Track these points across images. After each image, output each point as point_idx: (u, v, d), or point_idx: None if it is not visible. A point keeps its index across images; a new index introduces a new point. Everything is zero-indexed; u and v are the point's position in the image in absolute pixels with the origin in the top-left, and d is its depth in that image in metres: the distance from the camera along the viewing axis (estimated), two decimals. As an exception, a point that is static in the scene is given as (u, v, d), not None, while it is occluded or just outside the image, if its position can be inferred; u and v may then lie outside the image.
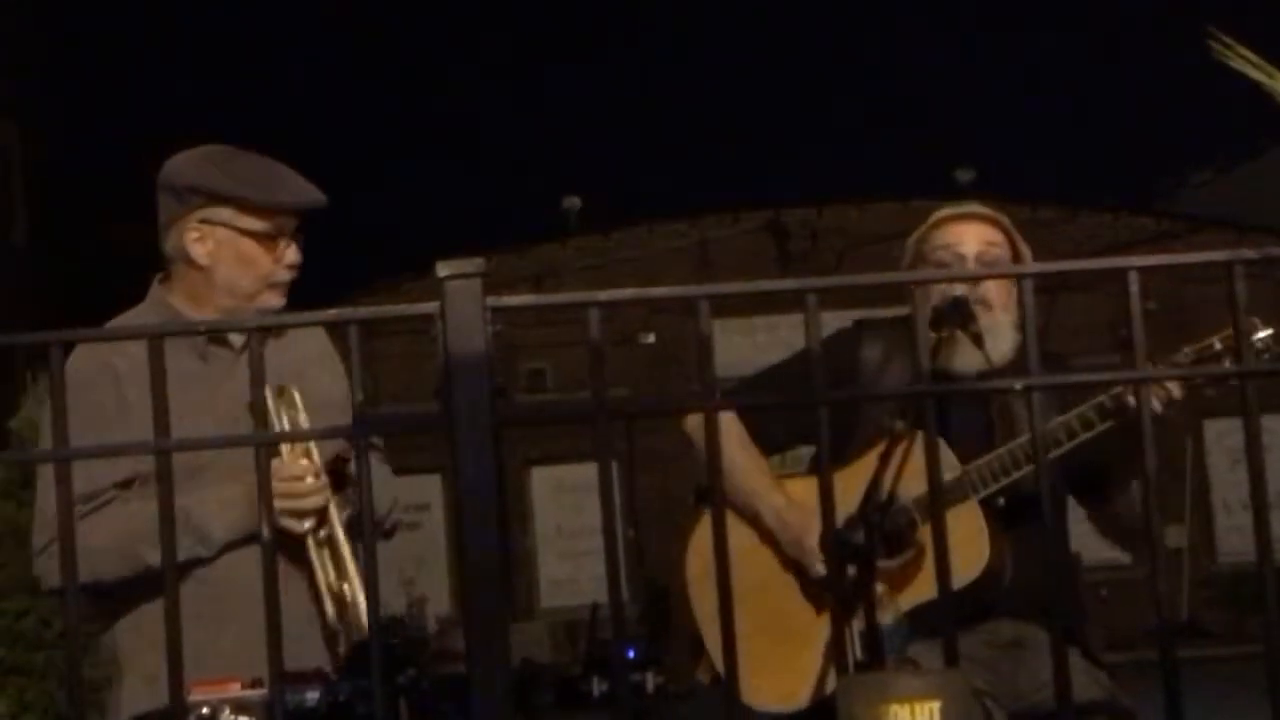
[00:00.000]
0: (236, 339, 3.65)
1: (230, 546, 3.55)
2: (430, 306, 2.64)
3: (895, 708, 2.43)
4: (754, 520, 4.02)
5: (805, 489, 4.06)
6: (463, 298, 2.59)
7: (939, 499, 2.81)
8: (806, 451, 4.01)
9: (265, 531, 2.70)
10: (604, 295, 2.69)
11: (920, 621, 3.43)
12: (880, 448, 3.42)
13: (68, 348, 2.65)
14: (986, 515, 3.85)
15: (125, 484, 3.52)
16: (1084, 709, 3.60)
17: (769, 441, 4.11)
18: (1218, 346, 3.60)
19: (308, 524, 3.49)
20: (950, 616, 2.77)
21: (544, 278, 24.80)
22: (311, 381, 3.62)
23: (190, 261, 3.68)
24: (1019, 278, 2.76)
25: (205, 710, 2.80)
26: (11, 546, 7.95)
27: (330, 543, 3.51)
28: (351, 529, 3.52)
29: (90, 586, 3.44)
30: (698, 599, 4.09)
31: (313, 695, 2.84)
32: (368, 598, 2.72)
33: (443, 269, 2.60)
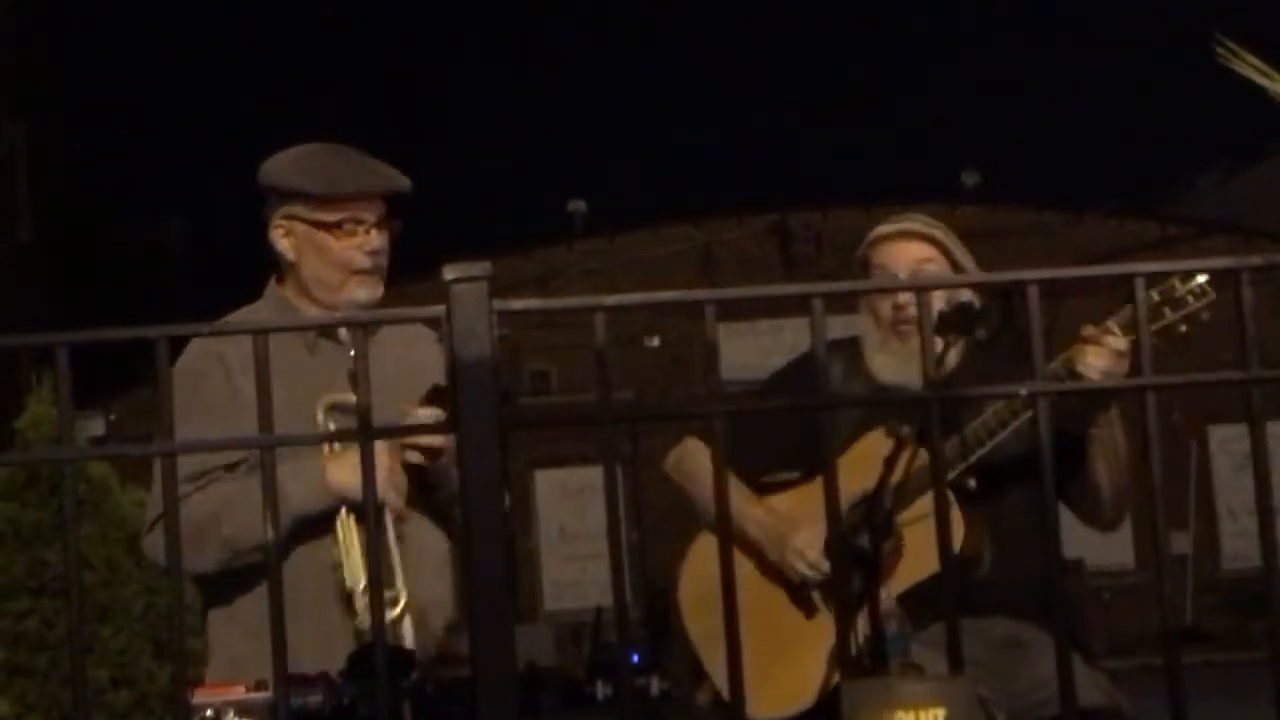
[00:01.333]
0: (344, 333, 3.70)
1: (307, 537, 3.61)
2: (437, 310, 2.64)
3: (900, 714, 2.43)
4: (737, 537, 4.04)
5: (783, 502, 4.09)
6: (469, 301, 2.59)
7: (943, 503, 2.81)
8: None
9: (270, 533, 2.70)
10: (610, 300, 2.69)
11: (905, 606, 3.45)
12: (882, 452, 3.44)
13: (78, 350, 2.66)
14: (958, 498, 3.86)
15: (232, 466, 3.64)
16: (1084, 713, 3.60)
17: (743, 469, 4.08)
18: (1155, 299, 3.69)
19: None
20: (957, 626, 2.77)
21: (549, 280, 24.80)
22: (421, 379, 3.63)
23: (284, 258, 3.80)
24: (1024, 284, 2.75)
25: (209, 712, 2.81)
26: (14, 547, 7.96)
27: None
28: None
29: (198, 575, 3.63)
30: (692, 623, 4.14)
31: (315, 698, 2.84)
32: (372, 599, 2.72)
33: (449, 272, 2.60)
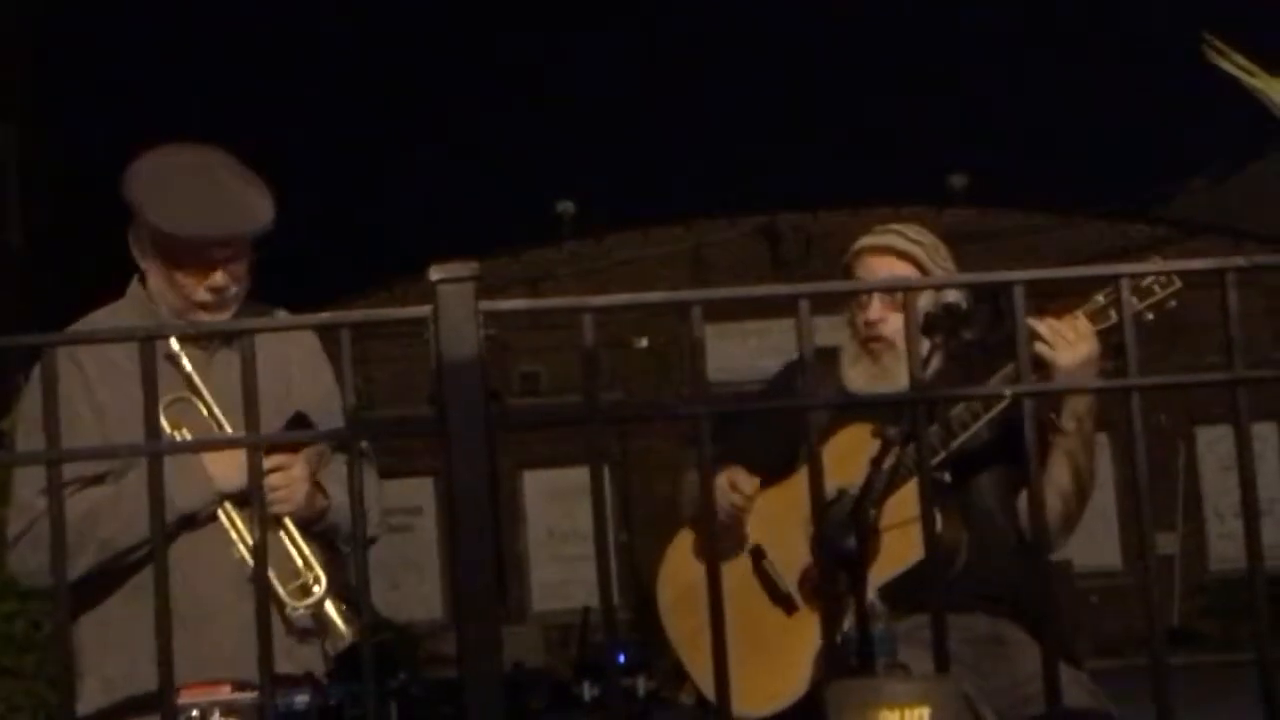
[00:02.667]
0: (209, 339, 3.64)
1: (188, 542, 3.53)
2: (423, 310, 2.64)
3: (886, 713, 2.44)
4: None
5: (760, 500, 4.09)
6: (456, 301, 2.59)
7: (928, 504, 2.81)
8: None
9: (256, 533, 2.70)
10: (598, 300, 2.69)
11: (884, 599, 3.46)
12: (853, 451, 3.46)
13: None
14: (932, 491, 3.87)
15: (96, 479, 3.53)
16: (1069, 714, 3.61)
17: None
18: (1101, 301, 3.76)
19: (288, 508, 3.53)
20: (943, 624, 2.78)
21: (538, 281, 24.80)
22: (297, 382, 3.62)
23: (138, 262, 3.69)
24: (1010, 285, 2.76)
25: (195, 713, 2.80)
26: (2, 548, 7.95)
27: (289, 535, 3.55)
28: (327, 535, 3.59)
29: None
30: (673, 626, 4.14)
31: (302, 699, 2.84)
32: (361, 603, 2.72)
33: (436, 273, 2.60)
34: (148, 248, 3.65)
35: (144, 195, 3.61)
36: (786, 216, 26.27)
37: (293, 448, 3.50)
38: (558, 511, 24.91)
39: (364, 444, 3.47)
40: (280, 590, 3.48)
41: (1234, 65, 2.80)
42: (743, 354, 20.07)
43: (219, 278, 3.61)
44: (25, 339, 2.80)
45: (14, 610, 7.86)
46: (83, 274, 26.69)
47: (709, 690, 3.27)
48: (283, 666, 3.34)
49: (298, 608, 3.50)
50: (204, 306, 3.62)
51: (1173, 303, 3.76)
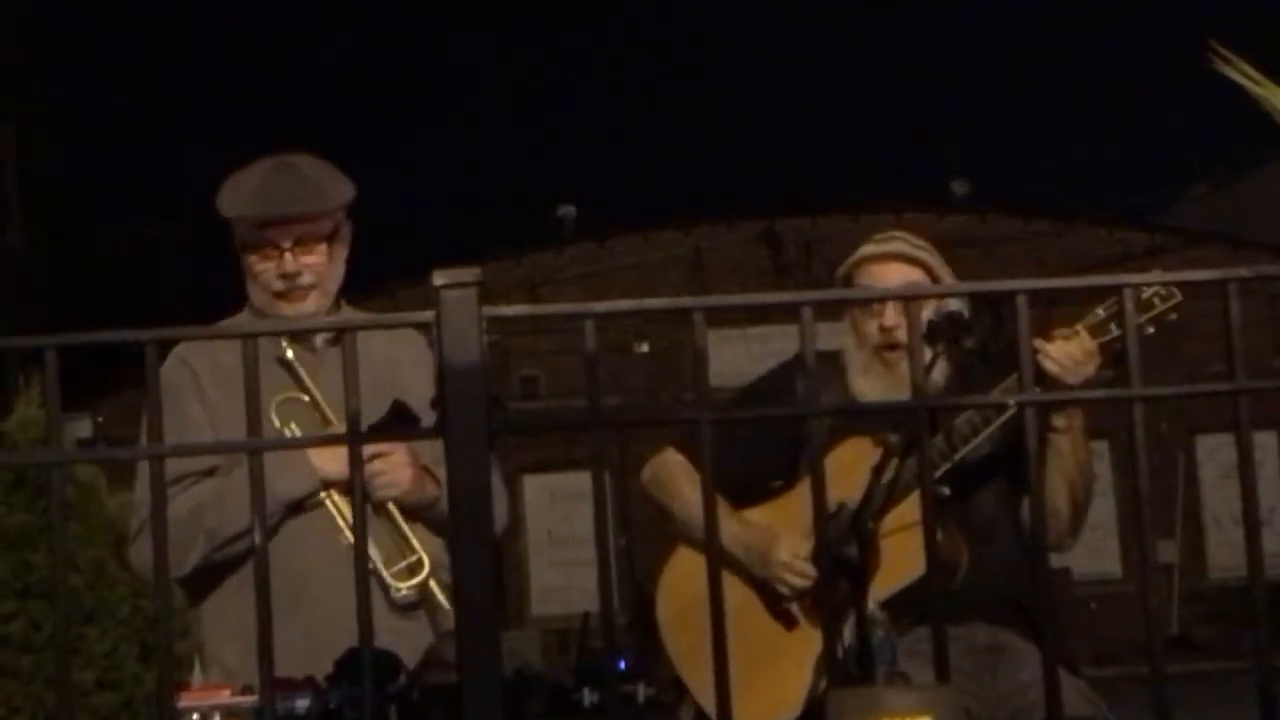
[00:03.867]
0: (319, 341, 3.81)
1: (296, 530, 3.69)
2: (426, 315, 2.64)
3: (886, 722, 2.44)
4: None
5: (759, 515, 4.08)
6: (458, 307, 2.59)
7: (929, 512, 2.81)
8: None
9: (258, 538, 2.71)
10: (600, 306, 2.69)
11: (888, 612, 3.46)
12: (857, 462, 3.45)
13: (65, 353, 2.67)
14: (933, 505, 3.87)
15: (209, 472, 3.70)
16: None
17: (719, 480, 4.10)
18: (1102, 314, 3.76)
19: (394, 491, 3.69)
20: (943, 634, 2.78)
21: (539, 285, 24.80)
22: (406, 385, 3.65)
23: None
24: (1012, 295, 2.76)
25: (196, 717, 2.80)
26: (0, 549, 7.94)
27: (392, 520, 3.72)
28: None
29: (184, 579, 3.68)
30: (672, 643, 4.13)
31: (302, 703, 2.83)
32: (359, 605, 2.73)
33: (439, 278, 2.60)
34: (238, 248, 3.83)
35: (221, 195, 3.80)
36: (787, 221, 26.27)
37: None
38: (557, 516, 24.92)
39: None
40: (384, 572, 3.66)
41: (1239, 73, 2.80)
42: (744, 359, 20.05)
43: (289, 263, 3.76)
44: (22, 341, 2.79)
45: (13, 611, 7.85)
46: (81, 274, 26.74)
47: (710, 706, 3.27)
48: (393, 644, 3.41)
49: (400, 588, 3.68)
50: (280, 295, 3.78)
51: (1173, 315, 3.76)
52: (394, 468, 3.68)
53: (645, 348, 23.75)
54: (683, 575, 4.13)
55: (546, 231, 27.15)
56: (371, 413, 3.37)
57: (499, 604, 2.68)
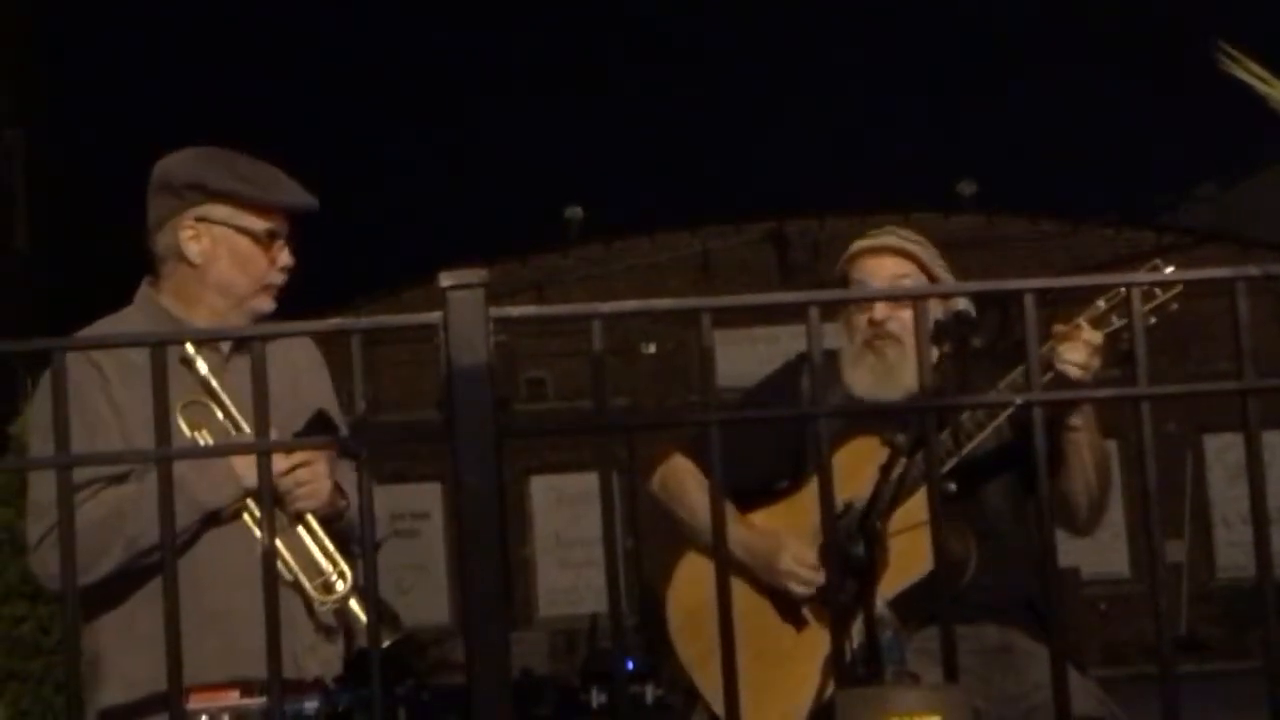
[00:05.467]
0: (224, 343, 3.65)
1: (213, 540, 3.55)
2: (433, 317, 2.63)
3: (894, 721, 2.43)
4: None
5: (766, 518, 4.08)
6: (465, 308, 2.59)
7: (936, 509, 2.81)
8: None
9: (266, 539, 2.70)
10: (607, 307, 2.68)
11: (896, 611, 3.45)
12: (862, 462, 3.45)
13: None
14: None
15: (119, 478, 3.54)
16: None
17: (725, 484, 4.10)
18: (1103, 306, 3.76)
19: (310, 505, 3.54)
20: (952, 634, 2.77)
21: (545, 286, 24.81)
22: (303, 390, 3.63)
23: (183, 259, 3.66)
24: (1021, 294, 2.75)
25: (204, 719, 2.80)
26: (9, 552, 7.94)
27: (311, 532, 3.56)
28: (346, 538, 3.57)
29: (89, 585, 3.44)
30: (683, 648, 4.13)
31: (311, 704, 2.84)
32: (368, 611, 2.72)
33: (446, 279, 2.60)
34: (216, 234, 3.65)
35: (228, 177, 3.65)
36: (794, 223, 26.28)
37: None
38: (565, 517, 24.93)
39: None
40: (308, 586, 3.50)
41: (1249, 73, 2.79)
42: (750, 360, 20.05)
43: (289, 258, 3.69)
44: (38, 343, 2.79)
45: (22, 614, 7.86)
46: (88, 277, 26.73)
47: (721, 710, 3.26)
48: (310, 661, 3.34)
49: (325, 603, 3.51)
50: (268, 290, 3.67)
51: (1174, 305, 3.75)
52: (317, 477, 3.54)
53: (652, 349, 23.76)
54: (692, 580, 4.13)
55: (553, 233, 27.17)
56: (283, 420, 3.27)
57: (506, 605, 2.68)
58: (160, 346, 2.68)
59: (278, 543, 3.45)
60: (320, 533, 3.54)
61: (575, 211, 27.17)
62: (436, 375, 2.67)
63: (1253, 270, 2.73)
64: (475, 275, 2.60)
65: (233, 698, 2.84)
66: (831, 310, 3.43)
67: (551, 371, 24.69)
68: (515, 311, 2.76)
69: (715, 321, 2.72)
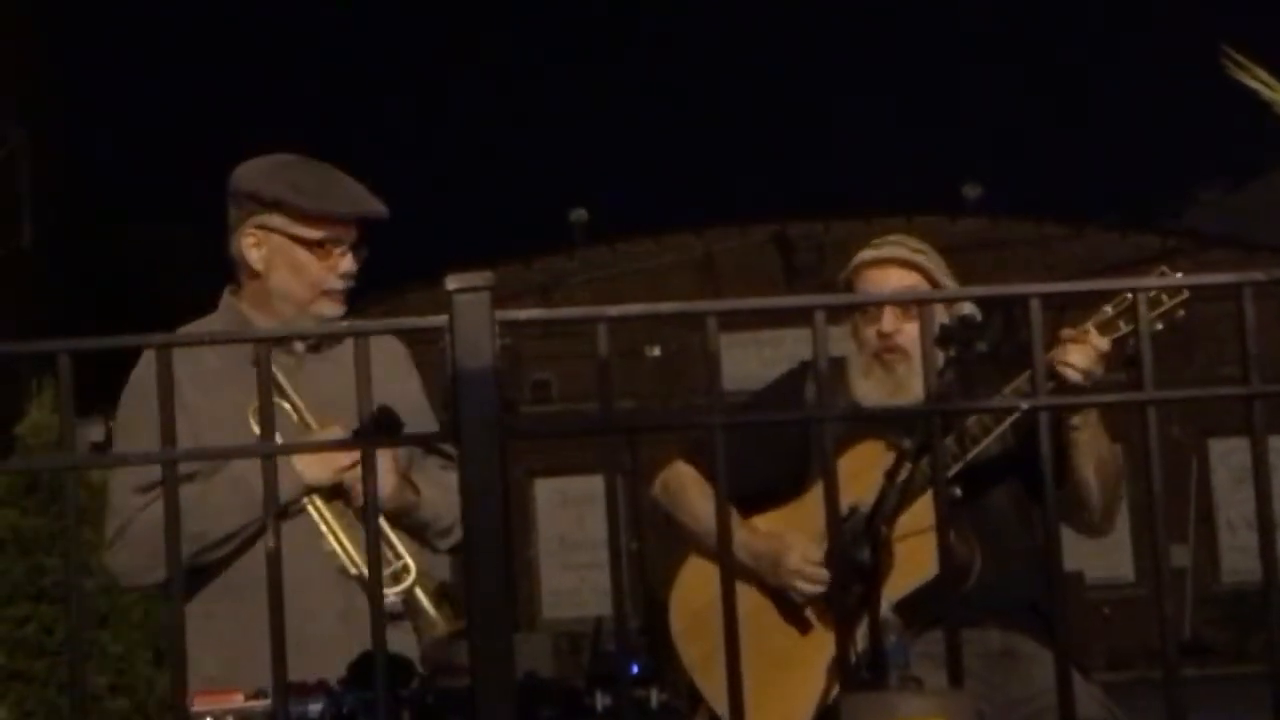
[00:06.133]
0: (300, 346, 3.76)
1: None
2: (439, 320, 2.63)
3: (899, 726, 2.43)
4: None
5: (770, 522, 4.08)
6: (471, 311, 2.59)
7: (943, 514, 2.81)
8: None
9: (270, 542, 2.71)
10: (613, 310, 2.68)
11: (900, 615, 3.46)
12: (866, 467, 3.45)
13: (78, 356, 2.67)
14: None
15: (187, 477, 3.58)
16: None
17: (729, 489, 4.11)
18: (1110, 312, 3.75)
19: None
20: (958, 639, 2.77)
21: (550, 289, 24.83)
22: (383, 389, 3.66)
23: (248, 267, 3.77)
24: (1025, 299, 2.75)
25: (209, 720, 2.80)
26: (14, 553, 7.96)
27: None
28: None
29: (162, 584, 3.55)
30: (687, 651, 4.12)
31: (315, 706, 2.83)
32: (373, 608, 2.72)
33: (452, 282, 2.60)
34: (274, 243, 3.74)
35: (281, 186, 3.73)
36: (799, 225, 26.28)
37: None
38: (569, 520, 24.92)
39: (450, 448, 3.52)
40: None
41: (1255, 79, 2.79)
42: (754, 363, 20.03)
43: (349, 264, 3.76)
44: (42, 345, 2.79)
45: (27, 614, 7.87)
46: (92, 276, 26.74)
47: (725, 713, 3.27)
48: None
49: (388, 595, 3.57)
50: (330, 295, 3.75)
51: (1181, 312, 3.75)
52: (380, 473, 3.64)
53: (657, 351, 23.76)
54: (695, 583, 4.13)
55: (558, 235, 27.18)
56: (350, 419, 3.35)
57: (510, 607, 2.68)
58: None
59: (341, 537, 3.64)
60: (384, 526, 3.59)
61: (580, 214, 27.16)
62: (442, 378, 2.67)
63: (1259, 275, 2.73)
64: (481, 278, 2.60)
65: (237, 700, 2.84)
66: (836, 315, 3.43)
67: (556, 373, 24.69)
68: (522, 315, 2.76)
69: (720, 324, 2.72)
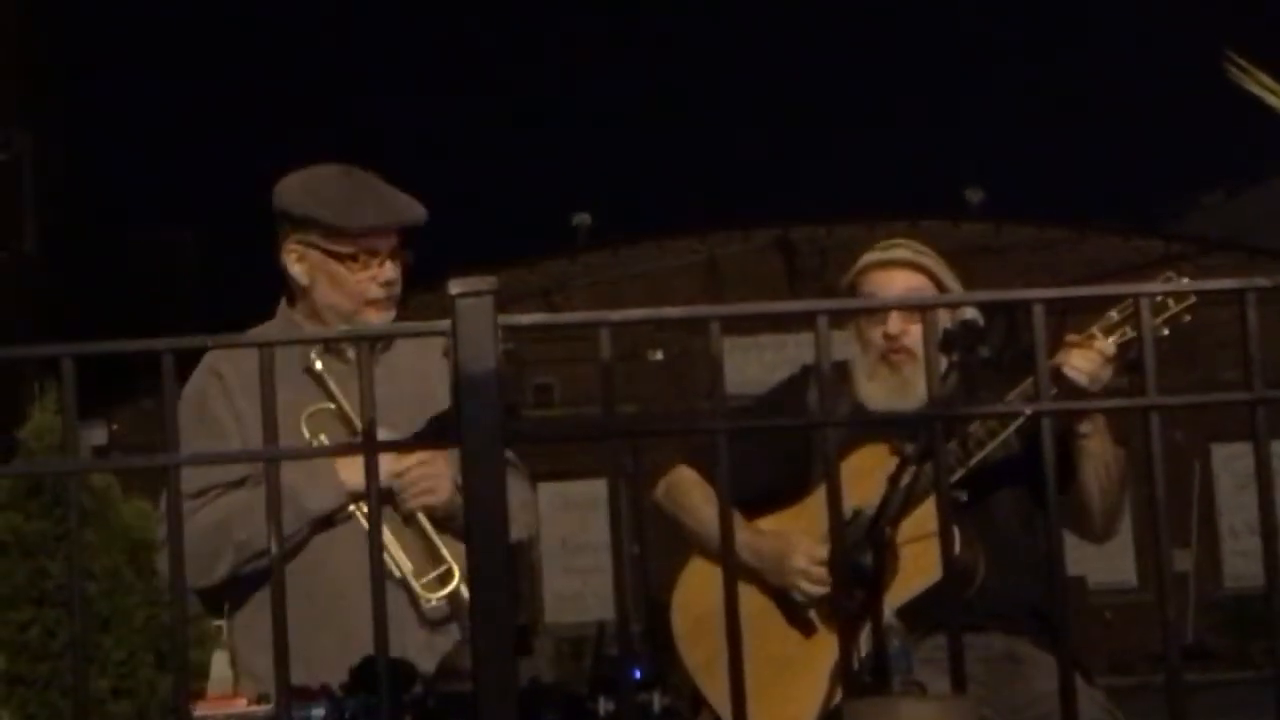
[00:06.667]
0: (352, 352, 3.75)
1: (326, 543, 3.70)
2: (442, 325, 2.63)
3: (902, 731, 2.43)
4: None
5: (773, 524, 4.08)
6: (475, 316, 2.59)
7: (946, 519, 2.81)
8: None
9: (274, 547, 2.71)
10: (616, 315, 2.68)
11: (904, 619, 3.45)
12: (870, 470, 3.45)
13: (81, 360, 2.67)
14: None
15: (237, 483, 3.68)
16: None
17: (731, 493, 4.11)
18: (1116, 317, 3.77)
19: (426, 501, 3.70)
20: (959, 644, 2.77)
21: (553, 293, 24.82)
22: (438, 395, 3.67)
23: (295, 282, 3.81)
24: (1030, 304, 2.76)
25: (211, 725, 2.80)
26: (16, 556, 7.95)
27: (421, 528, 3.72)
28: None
29: (207, 589, 3.68)
30: (689, 654, 4.12)
31: (318, 712, 2.84)
32: (375, 611, 2.73)
33: (455, 287, 2.60)
34: (313, 258, 3.78)
35: (308, 203, 3.76)
36: (801, 229, 26.26)
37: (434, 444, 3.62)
38: (572, 523, 24.90)
39: (510, 453, 3.63)
40: (414, 584, 3.67)
41: (1257, 84, 2.79)
42: (757, 367, 20.03)
43: (389, 271, 3.78)
44: (44, 349, 2.79)
45: (29, 618, 7.86)
46: (94, 279, 26.76)
47: (728, 716, 3.27)
48: (422, 657, 3.41)
49: (431, 599, 3.67)
50: (374, 304, 3.77)
51: (1186, 317, 3.75)
52: (433, 477, 3.69)
53: (659, 355, 23.74)
54: (698, 586, 4.13)
55: (561, 239, 27.17)
56: (407, 424, 3.41)
57: (513, 612, 2.68)
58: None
59: (391, 542, 3.67)
60: (430, 530, 3.69)
61: (583, 218, 27.16)
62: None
63: (1262, 281, 2.73)
64: (484, 283, 2.60)
65: (239, 705, 2.84)
66: (840, 319, 3.43)
67: (559, 377, 24.66)
68: (525, 319, 2.77)
69: (723, 329, 2.72)
